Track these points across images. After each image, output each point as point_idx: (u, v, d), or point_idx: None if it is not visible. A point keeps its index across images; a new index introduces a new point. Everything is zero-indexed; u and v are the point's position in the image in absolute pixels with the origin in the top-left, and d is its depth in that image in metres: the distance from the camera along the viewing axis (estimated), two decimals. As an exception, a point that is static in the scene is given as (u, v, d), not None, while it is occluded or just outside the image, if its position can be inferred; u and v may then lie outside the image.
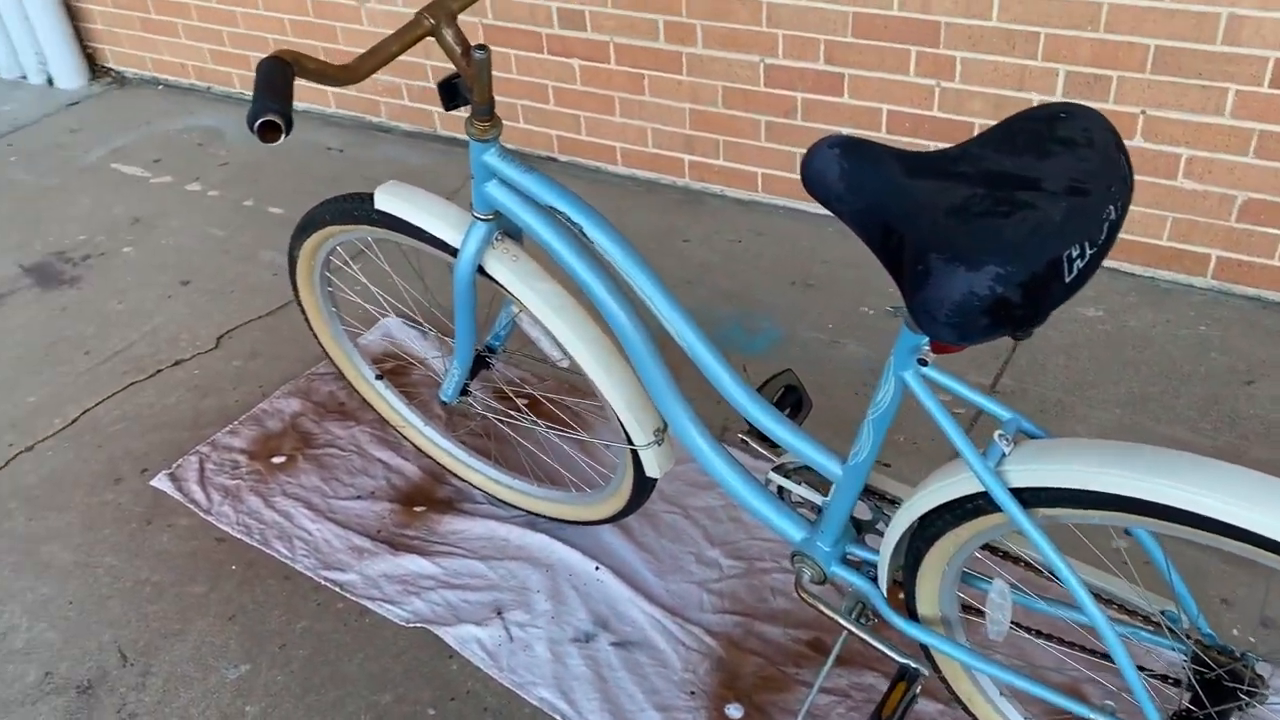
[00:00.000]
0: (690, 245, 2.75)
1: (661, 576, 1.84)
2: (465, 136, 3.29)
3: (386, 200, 1.53)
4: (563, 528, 1.93)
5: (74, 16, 3.87)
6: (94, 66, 3.96)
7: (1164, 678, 1.27)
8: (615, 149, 3.02)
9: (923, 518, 1.23)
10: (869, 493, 1.37)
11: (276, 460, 2.14)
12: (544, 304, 1.47)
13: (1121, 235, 2.43)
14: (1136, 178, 2.34)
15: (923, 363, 1.11)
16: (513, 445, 2.08)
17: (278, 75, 1.03)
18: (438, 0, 1.25)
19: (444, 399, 1.75)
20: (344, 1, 3.21)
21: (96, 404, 2.32)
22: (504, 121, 3.10)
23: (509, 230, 1.50)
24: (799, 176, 1.02)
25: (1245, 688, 1.14)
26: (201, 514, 2.02)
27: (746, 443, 1.51)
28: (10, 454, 2.20)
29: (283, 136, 0.99)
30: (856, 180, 0.95)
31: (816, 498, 1.44)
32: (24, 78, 3.98)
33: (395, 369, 2.34)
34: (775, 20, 2.56)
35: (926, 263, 0.89)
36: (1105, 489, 1.01)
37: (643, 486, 1.70)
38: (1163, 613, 1.21)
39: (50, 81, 3.91)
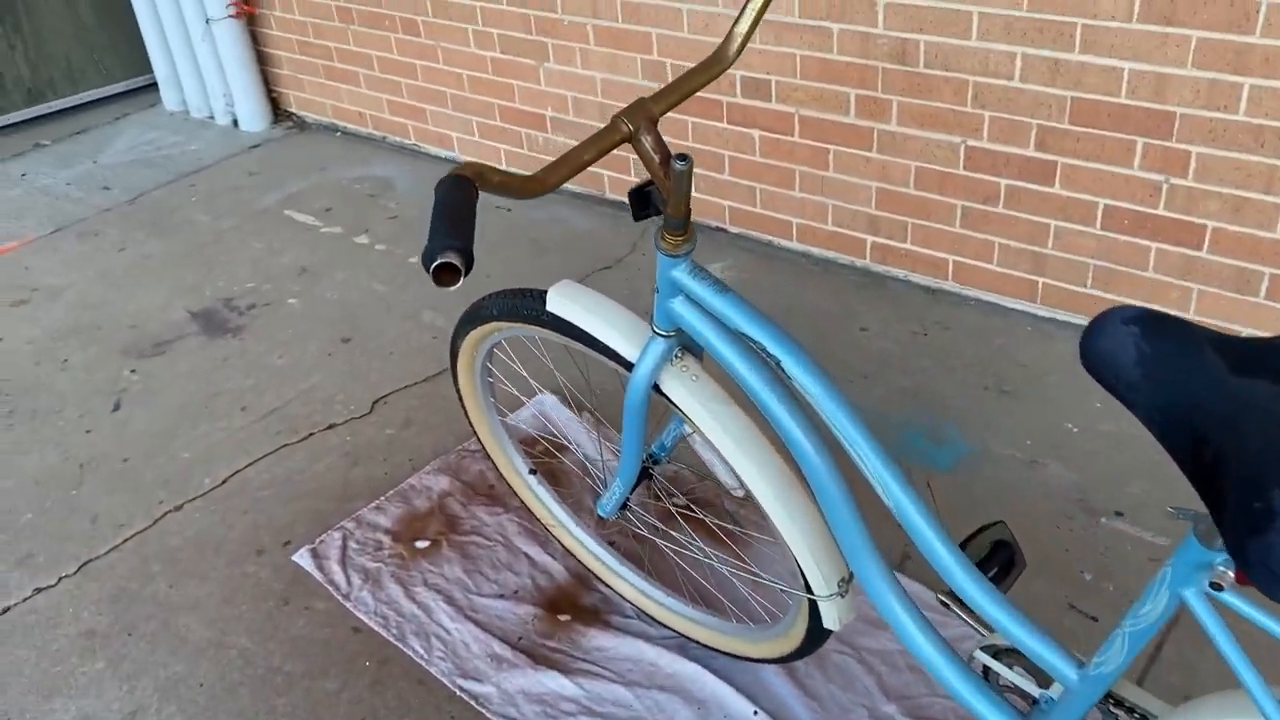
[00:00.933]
0: (868, 335, 2.54)
1: (828, 730, 1.63)
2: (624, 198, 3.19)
3: (560, 302, 1.39)
4: (717, 657, 1.75)
5: (262, 62, 3.96)
6: (277, 111, 4.05)
7: None
8: (791, 224, 2.84)
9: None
10: (1112, 700, 1.14)
11: (420, 545, 2.03)
12: (725, 434, 1.31)
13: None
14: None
15: (1217, 587, 0.89)
16: (669, 559, 1.91)
17: (460, 201, 0.91)
18: (638, 103, 1.11)
19: (601, 514, 1.60)
20: (524, 61, 3.15)
21: (247, 465, 2.28)
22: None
23: (688, 345, 1.34)
24: (1080, 343, 0.82)
25: None
26: (340, 598, 1.93)
27: (947, 605, 1.30)
28: (159, 513, 2.17)
29: (461, 280, 0.86)
30: (1160, 369, 0.75)
31: (1033, 689, 1.22)
32: (211, 118, 4.10)
33: (546, 451, 2.21)
34: (982, 101, 2.35)
35: (1269, 499, 0.68)
36: None
37: (817, 635, 1.50)
38: None
39: (235, 123, 4.01)
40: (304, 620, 1.90)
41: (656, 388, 1.35)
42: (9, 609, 1.96)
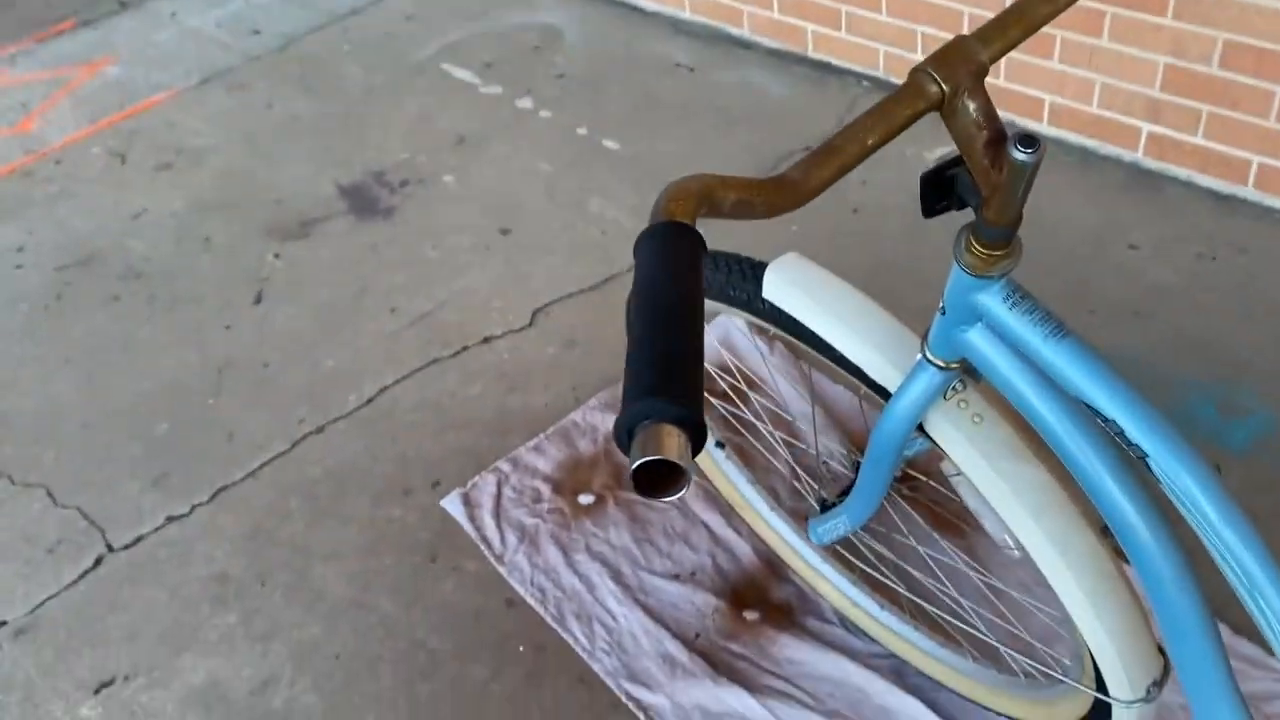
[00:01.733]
0: (1138, 255, 2.04)
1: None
2: (843, 62, 2.67)
3: (783, 290, 1.01)
4: (946, 694, 1.41)
5: (422, -116, 3.51)
6: (437, -58, 3.62)
7: None
8: (1044, 103, 2.31)
9: None
10: None
11: (583, 500, 1.75)
12: (1015, 499, 0.92)
13: None
14: None
15: None
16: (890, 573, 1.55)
17: (678, 299, 0.52)
18: (955, 47, 0.68)
19: (814, 541, 1.25)
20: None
21: (395, 382, 2.02)
22: (897, 50, 2.45)
23: (970, 371, 0.94)
24: None
25: None
26: (493, 559, 1.67)
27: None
28: (300, 434, 1.94)
29: (686, 487, 0.50)
30: None
31: None
32: (368, -50, 3.71)
33: (728, 394, 1.85)
34: (1342, -46, 1.74)
35: None
36: None
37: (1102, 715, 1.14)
38: None
39: (393, -43, 3.62)
40: (453, 583, 1.66)
41: (920, 425, 0.96)
42: (141, 538, 1.79)
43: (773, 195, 0.62)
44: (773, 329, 1.06)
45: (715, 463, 1.54)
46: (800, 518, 1.54)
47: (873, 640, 1.48)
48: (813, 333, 0.99)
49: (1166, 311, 1.91)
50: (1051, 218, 2.15)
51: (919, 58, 2.46)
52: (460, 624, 1.60)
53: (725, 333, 1.97)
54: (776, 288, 1.00)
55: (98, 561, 1.76)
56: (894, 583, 1.37)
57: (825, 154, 0.65)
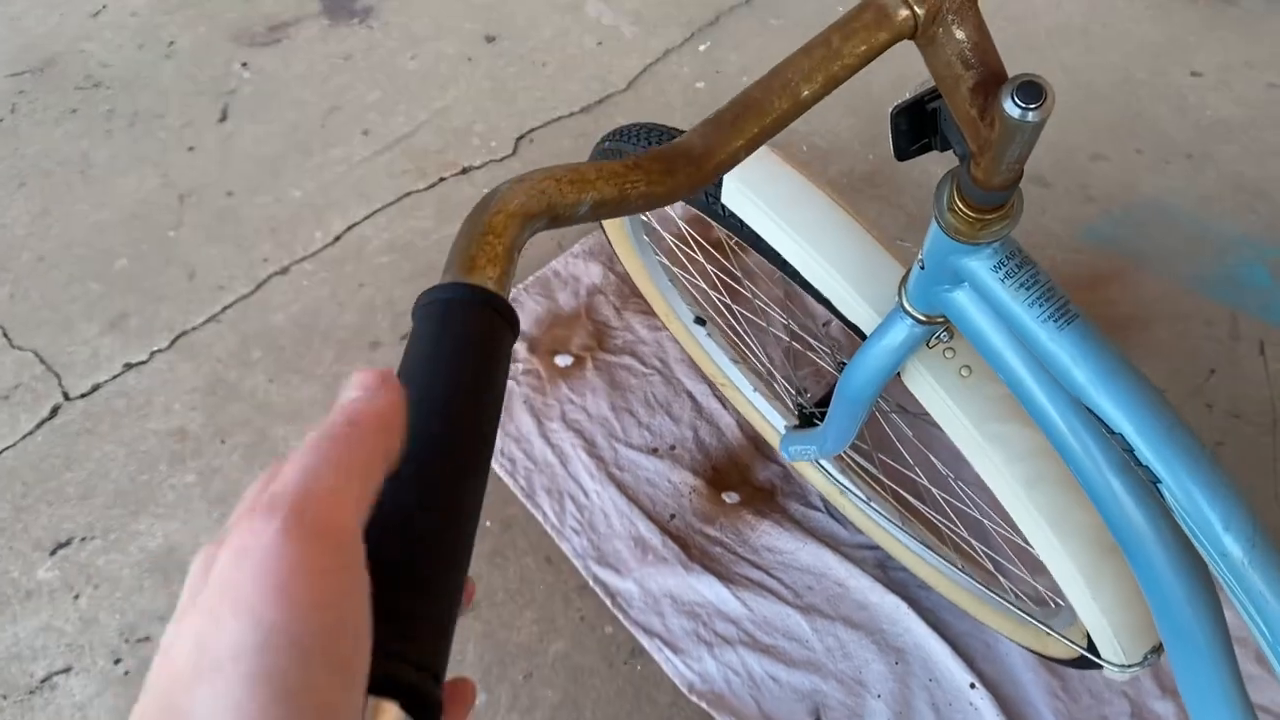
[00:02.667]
0: (1200, 83, 1.78)
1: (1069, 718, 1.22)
2: None
3: (743, 197, 0.82)
4: (930, 593, 1.32)
5: None
6: None
7: None
8: (1110, -108, 1.97)
9: None
10: None
11: (560, 362, 1.62)
12: (1004, 465, 0.77)
13: None
14: None
15: None
16: (889, 481, 1.42)
17: (446, 495, 0.35)
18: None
19: (784, 456, 1.11)
20: None
21: (365, 217, 1.86)
22: None
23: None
24: None
25: None
26: (461, 423, 1.56)
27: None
28: (264, 273, 1.81)
29: None
30: None
31: None
32: None
33: (721, 246, 1.68)
34: None
35: None
36: None
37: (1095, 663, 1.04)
38: None
39: None
40: (418, 448, 1.56)
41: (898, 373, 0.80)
42: (98, 387, 1.70)
43: (656, 181, 0.45)
44: (734, 238, 0.89)
45: (695, 338, 1.40)
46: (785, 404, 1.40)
47: (858, 530, 1.38)
48: (780, 257, 0.82)
49: (1226, 154, 1.68)
50: (1104, 31, 1.87)
51: None
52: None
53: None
54: (737, 193, 0.82)
55: (54, 411, 1.68)
56: (888, 489, 1.25)
57: (740, 111, 0.47)
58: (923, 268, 0.65)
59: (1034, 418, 0.66)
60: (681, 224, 1.29)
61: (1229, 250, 1.57)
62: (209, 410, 1.65)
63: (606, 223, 1.26)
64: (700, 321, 1.39)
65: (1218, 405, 1.44)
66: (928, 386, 0.77)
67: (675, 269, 1.37)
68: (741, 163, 0.82)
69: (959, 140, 0.55)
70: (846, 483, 1.30)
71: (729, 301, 1.32)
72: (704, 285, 1.37)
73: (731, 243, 1.38)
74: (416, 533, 0.34)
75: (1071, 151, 1.72)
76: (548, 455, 1.52)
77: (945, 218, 0.59)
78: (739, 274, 1.35)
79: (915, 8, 0.48)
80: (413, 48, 2.12)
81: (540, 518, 1.46)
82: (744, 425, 1.50)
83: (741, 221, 0.82)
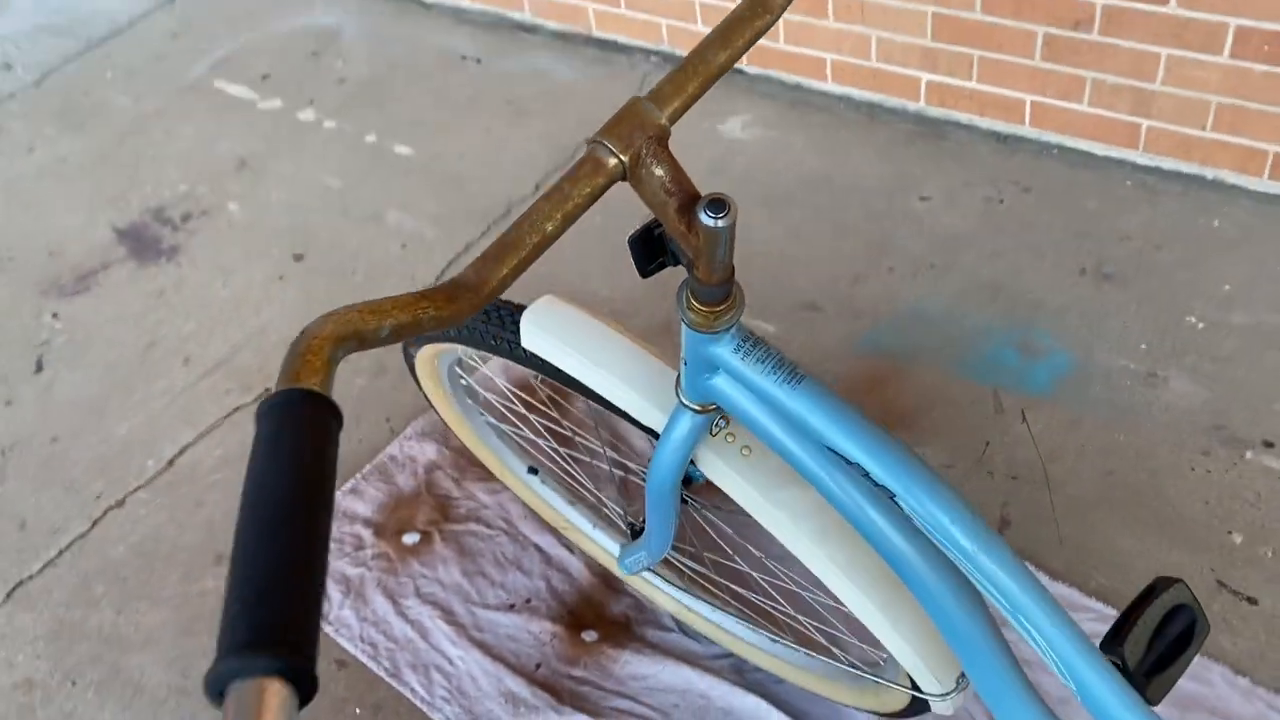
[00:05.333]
0: (932, 206, 2.07)
1: (929, 783, 1.31)
2: (628, 39, 2.62)
3: (539, 337, 0.96)
4: (785, 685, 1.42)
5: (169, -113, 3.28)
6: (197, -53, 3.40)
7: None
8: (825, 61, 2.31)
9: None
10: None
11: (408, 540, 1.68)
12: (794, 526, 0.91)
13: None
14: None
15: None
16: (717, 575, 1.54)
17: (292, 522, 0.47)
18: (630, 111, 0.64)
19: (623, 572, 1.22)
20: None
21: (195, 439, 1.90)
22: (676, 22, 2.42)
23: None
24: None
25: None
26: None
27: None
28: (100, 509, 1.81)
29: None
30: None
31: None
32: (123, -38, 3.46)
33: (549, 398, 1.81)
34: (1077, -106, 1.78)
35: None
36: None
37: (923, 706, 1.15)
38: None
39: (150, -32, 3.38)
40: (278, 651, 1.57)
41: (692, 462, 0.93)
42: (-69, 656, 1.64)
43: (442, 307, 0.57)
44: (531, 371, 1.02)
45: (530, 488, 1.50)
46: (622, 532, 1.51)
47: (711, 642, 1.47)
48: (576, 381, 0.95)
49: (961, 260, 1.95)
50: (844, 177, 2.16)
51: (702, 29, 2.43)
52: (291, 694, 1.52)
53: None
54: (534, 335, 0.95)
55: (-117, 691, 1.61)
56: (720, 586, 1.36)
57: (501, 249, 0.60)
58: (686, 364, 0.79)
59: (800, 473, 0.79)
60: (505, 384, 1.42)
61: (980, 338, 1.81)
62: (55, 656, 1.61)
63: (433, 395, 1.37)
64: (533, 471, 1.50)
65: (997, 471, 1.63)
66: (719, 470, 0.90)
67: (505, 426, 1.48)
68: (535, 309, 0.96)
69: (681, 253, 0.69)
70: (685, 595, 1.40)
71: (559, 448, 1.44)
72: (534, 438, 1.48)
73: (549, 396, 1.51)
74: (282, 546, 0.44)
75: (835, 279, 1.95)
76: (407, 632, 1.56)
77: (687, 315, 0.73)
78: (567, 424, 1.47)
79: (621, 156, 0.64)
80: (223, 277, 2.22)
81: (409, 694, 1.49)
82: (591, 565, 1.59)
83: (541, 359, 0.95)
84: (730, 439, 0.91)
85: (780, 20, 2.27)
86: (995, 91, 2.12)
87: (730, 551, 1.31)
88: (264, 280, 2.19)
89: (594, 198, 0.63)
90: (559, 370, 0.96)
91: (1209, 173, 1.98)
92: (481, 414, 1.43)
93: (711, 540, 1.40)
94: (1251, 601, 1.42)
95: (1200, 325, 1.76)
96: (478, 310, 0.59)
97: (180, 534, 1.75)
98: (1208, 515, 1.52)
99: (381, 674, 1.52)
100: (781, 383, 0.74)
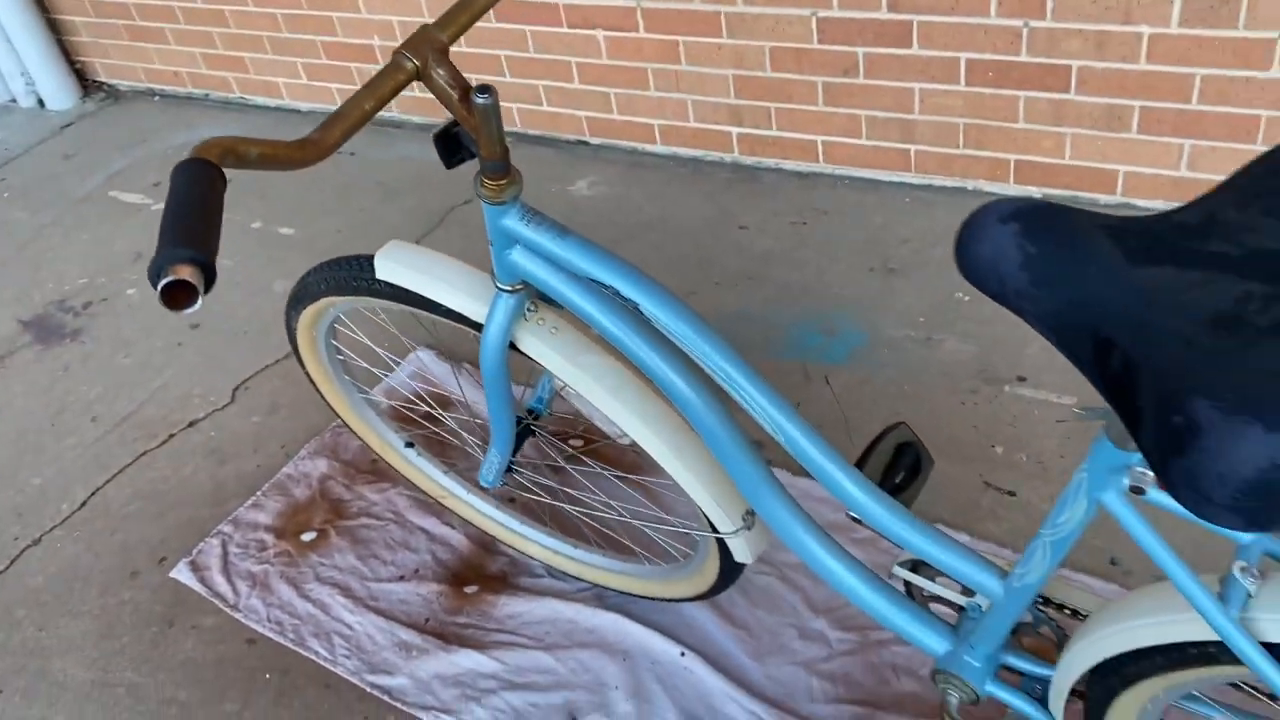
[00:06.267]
0: (748, 234, 2.43)
1: (759, 659, 1.56)
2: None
3: (390, 268, 1.24)
4: (637, 602, 1.66)
5: (57, 30, 3.59)
6: (85, 82, 3.69)
7: None
8: (653, 127, 2.69)
9: (1121, 655, 0.93)
10: (1043, 599, 1.07)
11: (306, 538, 1.89)
12: (596, 386, 1.18)
13: None
14: None
15: (1138, 490, 0.80)
16: (573, 512, 1.80)
17: (199, 194, 0.75)
18: (420, 33, 0.94)
19: (484, 484, 1.47)
20: (337, -11, 2.90)
21: (106, 482, 2.08)
22: (526, 105, 2.79)
23: (543, 295, 1.20)
24: (955, 251, 0.71)
25: None
26: (228, 609, 1.78)
27: (859, 521, 1.22)
28: (16, 550, 1.97)
29: (199, 300, 0.71)
30: (1049, 270, 0.64)
31: (958, 598, 1.15)
32: (14, 101, 3.73)
33: (429, 414, 2.07)
34: (826, -33, 2.21)
35: (1191, 413, 0.58)
36: None
37: (731, 570, 1.42)
38: None
39: (41, 103, 3.66)
40: (192, 641, 1.75)
41: (514, 345, 1.21)
42: None
43: (295, 153, 0.86)
44: (394, 306, 1.29)
45: (408, 461, 1.74)
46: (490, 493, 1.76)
47: (575, 578, 1.71)
48: (421, 297, 1.23)
49: (773, 271, 2.30)
50: (676, 219, 2.51)
51: (549, 109, 2.80)
52: (205, 673, 1.70)
53: (421, 365, 2.19)
54: (386, 268, 1.23)
55: None
56: (567, 520, 1.61)
57: (334, 120, 0.89)
58: (492, 244, 1.08)
59: (591, 325, 1.08)
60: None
61: (791, 327, 2.14)
62: (-19, 671, 1.76)
63: (315, 374, 1.61)
64: (410, 445, 1.74)
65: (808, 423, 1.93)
66: (535, 347, 1.18)
67: (408, 435, 1.73)
68: (385, 250, 1.24)
69: (470, 142, 0.99)
70: (552, 541, 1.65)
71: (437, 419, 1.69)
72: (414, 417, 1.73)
73: (435, 408, 1.77)
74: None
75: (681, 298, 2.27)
76: (310, 609, 1.76)
77: (481, 192, 1.02)
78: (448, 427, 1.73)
79: (415, 61, 0.94)
80: (126, 348, 2.43)
81: (313, 656, 1.69)
82: (471, 534, 1.82)
83: (394, 285, 1.23)
84: (541, 321, 1.19)
85: (610, 94, 2.65)
86: (792, 136, 2.51)
87: (573, 487, 1.57)
88: (164, 347, 2.42)
89: (397, 89, 0.93)
90: (408, 293, 1.23)
91: (968, 184, 2.39)
92: (360, 390, 1.68)
93: (556, 478, 1.66)
94: (1011, 494, 1.73)
95: (966, 299, 2.12)
96: (320, 159, 0.87)
97: (97, 560, 1.93)
98: (977, 436, 1.84)
99: (288, 644, 1.71)
100: (554, 238, 1.03)
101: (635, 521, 1.55)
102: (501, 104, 2.85)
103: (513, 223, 1.05)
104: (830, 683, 1.52)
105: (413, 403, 2.07)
